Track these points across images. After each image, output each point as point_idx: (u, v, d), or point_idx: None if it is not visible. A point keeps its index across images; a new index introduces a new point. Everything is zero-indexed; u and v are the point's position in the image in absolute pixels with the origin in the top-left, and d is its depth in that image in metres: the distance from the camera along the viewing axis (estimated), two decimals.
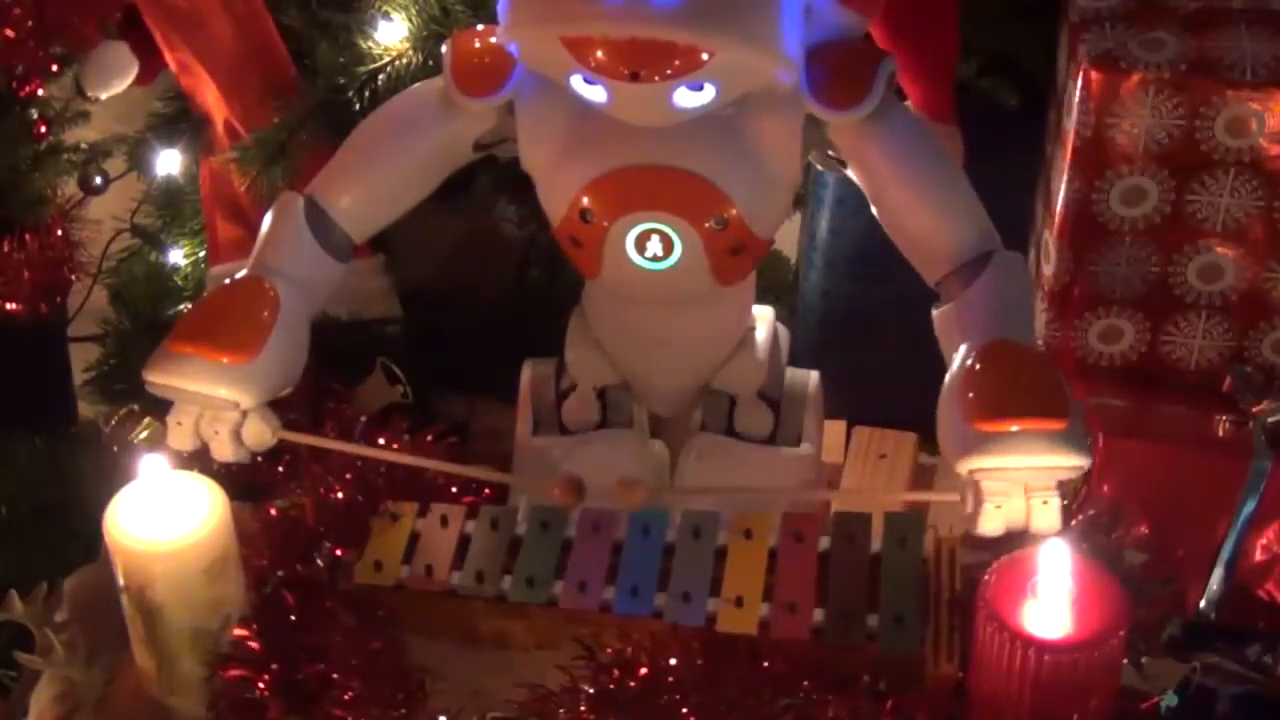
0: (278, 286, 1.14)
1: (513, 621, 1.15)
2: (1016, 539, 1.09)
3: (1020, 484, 1.04)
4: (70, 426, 1.70)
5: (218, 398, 1.12)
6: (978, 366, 1.05)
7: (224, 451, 1.15)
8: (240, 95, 1.51)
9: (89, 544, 1.22)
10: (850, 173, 1.14)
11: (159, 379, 1.13)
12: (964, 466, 1.04)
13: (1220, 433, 1.30)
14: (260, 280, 1.14)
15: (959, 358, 1.07)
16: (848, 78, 1.10)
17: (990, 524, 1.04)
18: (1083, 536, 1.11)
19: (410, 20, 1.44)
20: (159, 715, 1.14)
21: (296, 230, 1.17)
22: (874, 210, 1.14)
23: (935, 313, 1.11)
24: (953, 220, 1.11)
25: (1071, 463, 1.03)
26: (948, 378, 1.07)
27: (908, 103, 1.30)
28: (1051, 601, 1.01)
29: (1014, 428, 1.02)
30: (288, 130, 1.46)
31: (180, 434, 1.15)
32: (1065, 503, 1.05)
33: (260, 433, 1.15)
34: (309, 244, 1.17)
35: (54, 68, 1.53)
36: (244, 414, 1.14)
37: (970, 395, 1.04)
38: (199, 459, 1.16)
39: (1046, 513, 1.04)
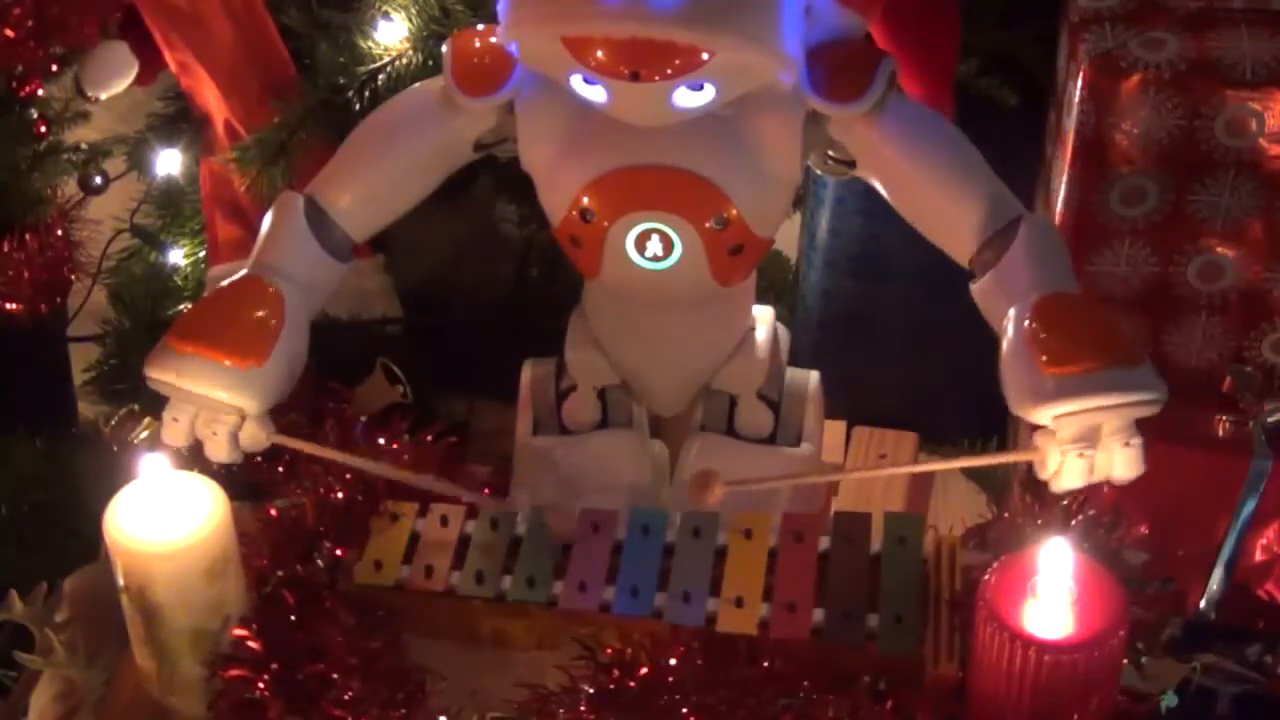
0: (281, 289, 1.14)
1: (513, 621, 1.15)
2: (1017, 539, 1.09)
3: (1100, 427, 1.04)
4: (70, 426, 1.71)
5: (220, 400, 1.12)
6: (1037, 320, 1.05)
7: (219, 452, 1.15)
8: (240, 95, 1.51)
9: (89, 544, 1.22)
10: (859, 171, 1.14)
11: (160, 375, 1.13)
12: (1047, 414, 1.04)
13: (1220, 433, 1.30)
14: (261, 281, 1.14)
15: (1014, 317, 1.07)
16: (849, 74, 1.10)
17: (1073, 476, 1.04)
18: (1083, 536, 1.11)
19: (410, 20, 1.44)
20: (159, 715, 1.14)
21: (296, 230, 1.17)
22: (891, 201, 1.13)
23: (974, 287, 1.11)
24: (972, 195, 1.11)
25: (1150, 396, 1.03)
26: (1006, 340, 1.07)
27: None
28: (1051, 601, 1.00)
29: (1085, 369, 1.03)
30: (288, 130, 1.46)
31: (175, 430, 1.14)
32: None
33: (256, 435, 1.15)
34: (309, 244, 1.17)
35: (54, 68, 1.53)
36: (243, 417, 1.14)
37: (1038, 346, 1.04)
38: (199, 459, 1.16)
39: (1130, 455, 1.04)
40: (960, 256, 1.12)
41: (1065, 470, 1.05)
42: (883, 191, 1.13)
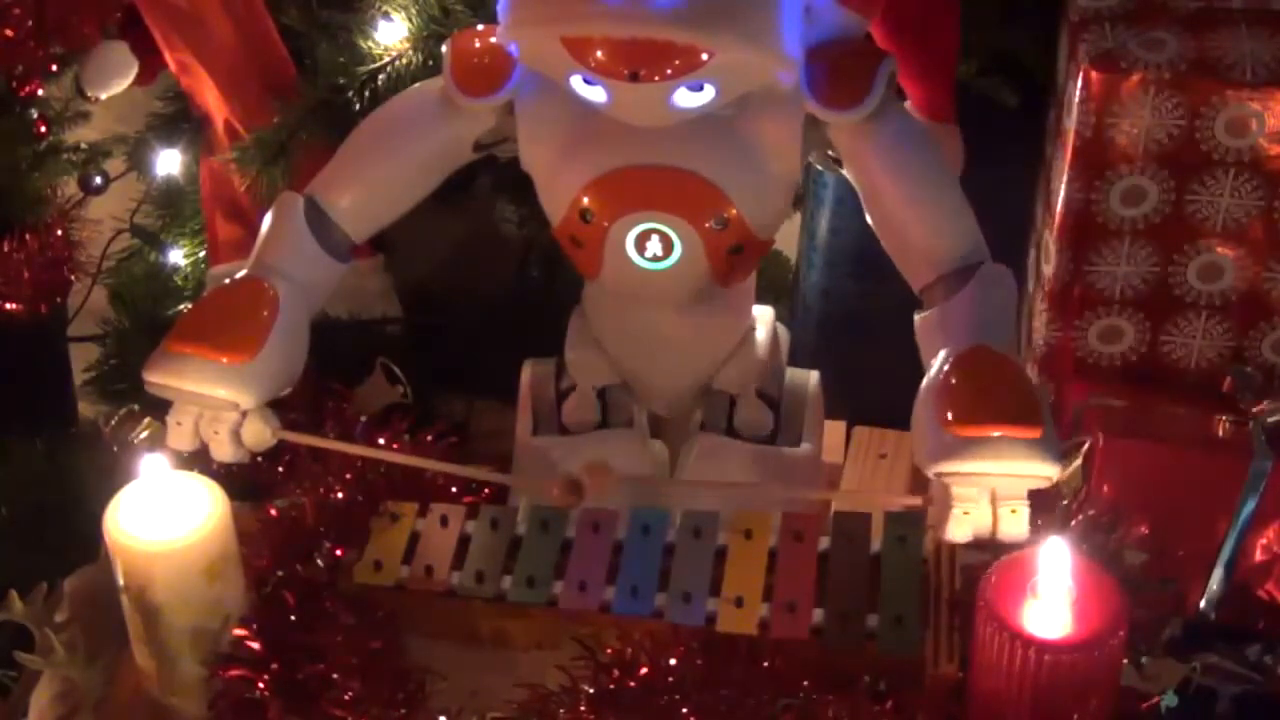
0: (278, 286, 1.14)
1: (513, 621, 1.15)
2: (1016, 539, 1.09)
3: (989, 491, 1.04)
4: (70, 426, 1.70)
5: (217, 398, 1.12)
6: (955, 372, 1.05)
7: (223, 452, 1.15)
8: (240, 95, 1.51)
9: (89, 544, 1.22)
10: (845, 172, 1.14)
11: (158, 379, 1.13)
12: (935, 470, 1.04)
13: (1220, 433, 1.30)
14: (260, 280, 1.15)
15: (937, 363, 1.07)
16: (848, 78, 1.10)
17: (958, 530, 1.04)
18: (1083, 536, 1.11)
19: (410, 20, 1.44)
20: (159, 715, 1.14)
21: (296, 230, 1.17)
22: (866, 212, 1.14)
23: (917, 318, 1.11)
24: (942, 227, 1.11)
25: (1043, 471, 1.03)
26: (924, 382, 1.07)
27: (908, 103, 1.30)
28: (1051, 601, 1.00)
29: (989, 434, 1.02)
30: (288, 130, 1.46)
31: (180, 434, 1.15)
32: (1050, 507, 1.06)
33: (260, 433, 1.15)
34: (309, 244, 1.17)
35: (54, 68, 1.53)
36: (243, 414, 1.14)
37: (945, 400, 1.04)
38: (199, 459, 1.16)
39: (1015, 521, 1.04)
40: (914, 283, 1.12)
41: (951, 524, 1.05)
42: (860, 197, 1.14)
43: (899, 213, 1.12)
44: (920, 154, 1.13)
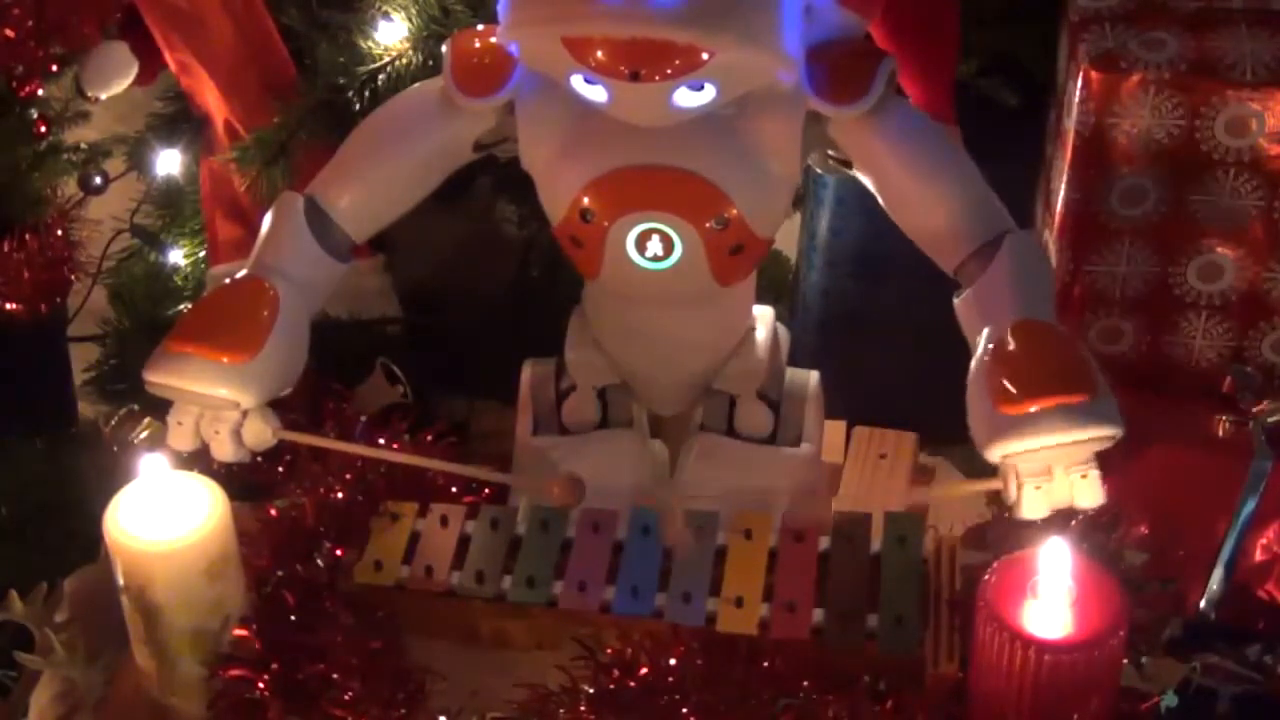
0: (278, 286, 1.14)
1: (513, 621, 1.15)
2: (1016, 539, 1.09)
3: (1055, 462, 1.04)
4: (70, 426, 1.70)
5: (217, 398, 1.12)
6: (999, 351, 1.06)
7: (224, 451, 1.15)
8: (240, 95, 1.51)
9: (89, 544, 1.22)
10: (856, 171, 1.14)
11: (158, 379, 1.13)
12: (995, 453, 1.05)
13: (1220, 433, 1.30)
14: (260, 280, 1.15)
15: (981, 343, 1.07)
16: (849, 75, 1.10)
17: (1033, 508, 1.05)
18: (1083, 536, 1.11)
19: (410, 20, 1.44)
20: (159, 715, 1.14)
21: (296, 230, 1.17)
22: (884, 205, 1.13)
23: (956, 301, 1.11)
24: (962, 206, 1.11)
25: (1103, 432, 1.04)
26: (973, 365, 1.07)
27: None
28: (1051, 601, 1.00)
29: (1034, 408, 1.03)
30: (288, 130, 1.46)
31: (180, 434, 1.15)
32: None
33: (260, 432, 1.15)
34: (309, 244, 1.17)
35: (54, 68, 1.53)
36: (244, 414, 1.14)
37: (993, 380, 1.05)
38: (199, 459, 1.16)
39: (1088, 487, 1.05)
40: (946, 265, 1.12)
41: (1024, 502, 1.05)
42: (875, 193, 1.14)
43: (917, 200, 1.12)
44: (927, 139, 1.13)
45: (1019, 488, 1.05)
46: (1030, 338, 1.06)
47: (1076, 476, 1.05)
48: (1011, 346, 1.06)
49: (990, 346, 1.06)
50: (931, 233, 1.12)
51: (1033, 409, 1.03)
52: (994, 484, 1.08)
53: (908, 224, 1.13)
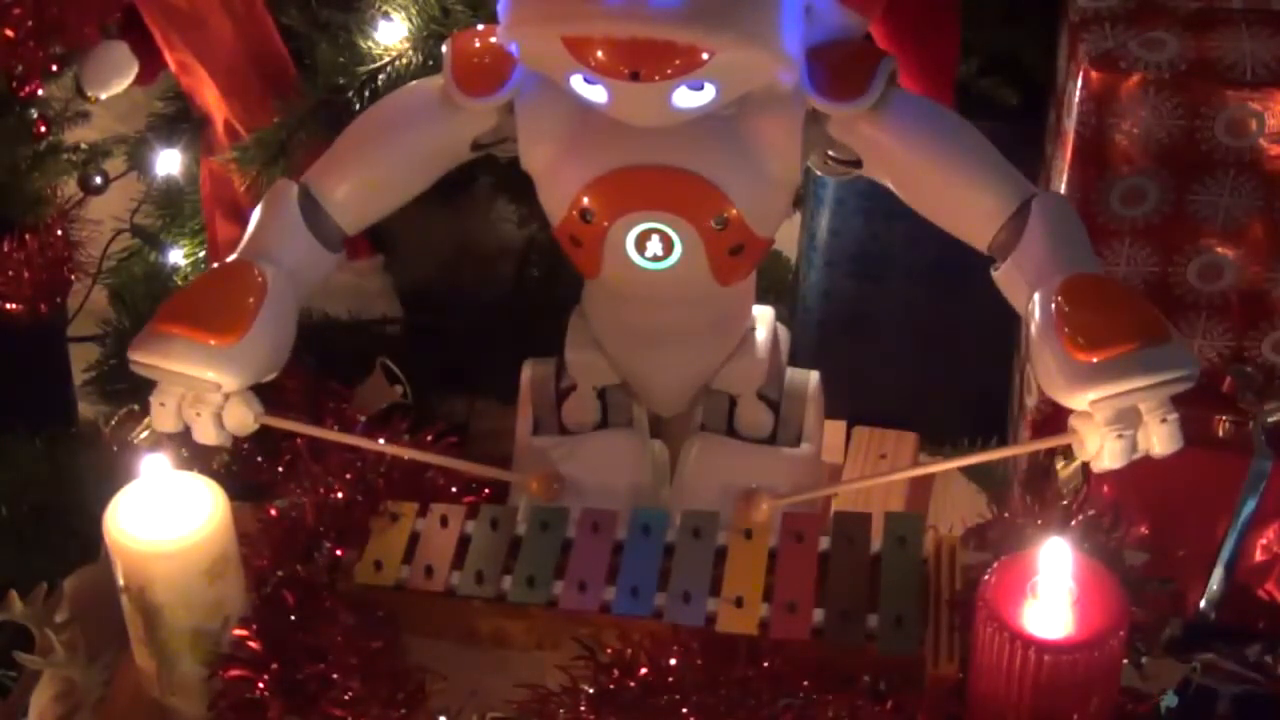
0: (266, 272, 1.14)
1: (513, 621, 1.15)
2: (1016, 539, 1.09)
3: (1136, 407, 1.04)
4: (70, 426, 1.71)
5: (201, 379, 1.12)
6: (1064, 304, 1.06)
7: (205, 434, 1.14)
8: (240, 95, 1.51)
9: (89, 544, 1.22)
10: (868, 171, 1.13)
11: (144, 358, 1.13)
12: (1082, 400, 1.05)
13: (1220, 433, 1.30)
14: (249, 264, 1.14)
15: (1038, 302, 1.07)
16: (849, 73, 1.10)
17: (1117, 456, 1.05)
18: (1083, 536, 1.11)
19: (410, 20, 1.44)
20: (159, 715, 1.14)
21: (289, 218, 1.16)
22: (904, 198, 1.13)
23: (995, 274, 1.11)
24: (983, 181, 1.11)
25: (1182, 372, 1.04)
26: (1033, 325, 1.07)
27: None
28: (1051, 601, 1.00)
29: (1126, 350, 1.03)
30: (288, 130, 1.46)
31: (163, 415, 1.14)
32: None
33: (242, 416, 1.15)
34: (301, 232, 1.16)
35: (54, 68, 1.53)
36: (225, 397, 1.14)
37: (1068, 331, 1.05)
38: (199, 459, 1.16)
39: (1169, 431, 1.05)
40: (978, 243, 1.12)
41: (1107, 452, 1.05)
42: (893, 188, 1.13)
43: (938, 188, 1.12)
44: (934, 123, 1.13)
45: (1100, 438, 1.05)
46: (1090, 290, 1.06)
47: (1156, 422, 1.05)
48: (1075, 299, 1.06)
49: (1051, 304, 1.06)
50: (958, 216, 1.12)
51: (1123, 352, 1.03)
52: (1064, 439, 1.08)
53: (931, 211, 1.13)
